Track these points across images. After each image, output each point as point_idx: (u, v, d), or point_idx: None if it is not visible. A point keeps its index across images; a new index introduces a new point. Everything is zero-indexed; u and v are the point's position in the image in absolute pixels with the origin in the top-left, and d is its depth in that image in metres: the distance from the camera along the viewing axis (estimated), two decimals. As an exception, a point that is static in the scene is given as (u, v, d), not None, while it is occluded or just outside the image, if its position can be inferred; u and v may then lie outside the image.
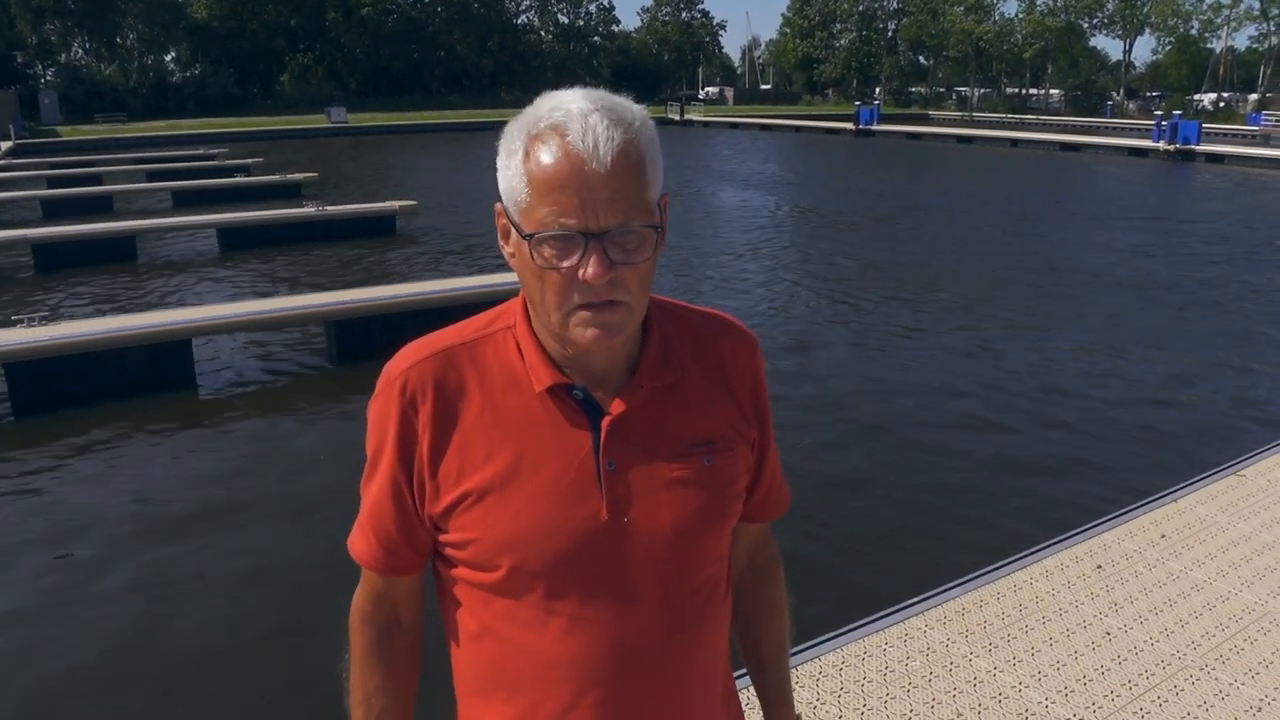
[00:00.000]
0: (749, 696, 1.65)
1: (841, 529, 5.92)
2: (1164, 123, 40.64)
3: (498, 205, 1.18)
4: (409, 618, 1.35)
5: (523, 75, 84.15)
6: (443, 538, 1.24)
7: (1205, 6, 76.55)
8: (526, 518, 1.17)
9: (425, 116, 60.03)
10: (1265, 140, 45.85)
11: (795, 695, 3.39)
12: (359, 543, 1.30)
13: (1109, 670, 3.61)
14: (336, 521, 6.13)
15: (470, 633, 1.27)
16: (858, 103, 65.55)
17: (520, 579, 1.19)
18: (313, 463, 7.14)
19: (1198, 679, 3.56)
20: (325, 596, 5.19)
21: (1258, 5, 74.02)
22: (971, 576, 4.30)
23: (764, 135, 53.76)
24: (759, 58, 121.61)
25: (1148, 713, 3.36)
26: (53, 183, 24.76)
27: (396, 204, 18.21)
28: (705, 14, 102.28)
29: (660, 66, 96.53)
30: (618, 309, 1.12)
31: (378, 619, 1.34)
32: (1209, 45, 79.84)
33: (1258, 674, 3.59)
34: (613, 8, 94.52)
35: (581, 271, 1.09)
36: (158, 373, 8.74)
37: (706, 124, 64.03)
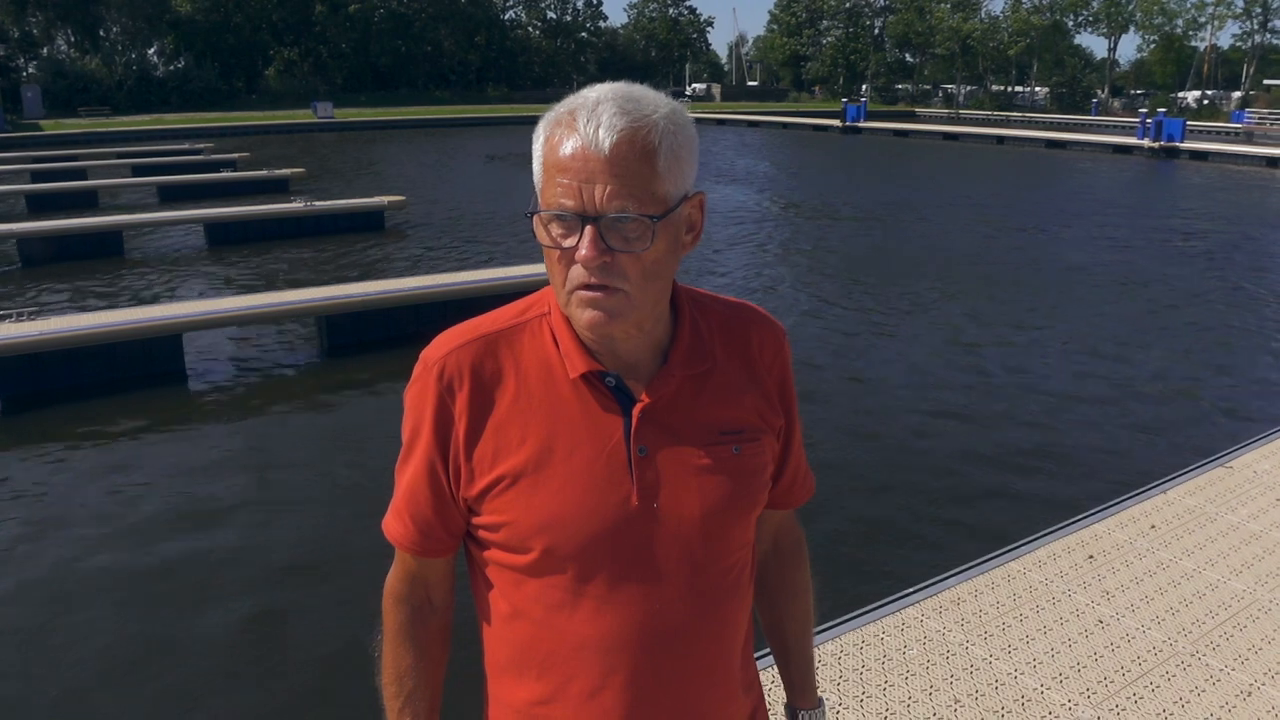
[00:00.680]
0: (772, 676, 1.69)
1: (831, 520, 5.97)
2: (1149, 120, 40.90)
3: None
4: (441, 598, 1.39)
5: (510, 71, 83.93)
6: (476, 520, 1.27)
7: (1189, 5, 77.19)
8: (559, 502, 1.20)
9: (412, 112, 59.82)
10: (1249, 137, 46.24)
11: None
12: (394, 525, 1.34)
13: (1102, 657, 3.66)
14: (328, 516, 6.17)
15: (501, 614, 1.30)
16: (845, 99, 65.60)
17: (552, 561, 1.22)
18: (304, 457, 7.14)
19: (1188, 665, 3.62)
20: (314, 589, 5.23)
21: (1241, 3, 74.63)
22: (966, 566, 4.35)
23: (751, 132, 53.79)
24: (746, 54, 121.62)
25: (1140, 698, 3.41)
26: (36, 177, 24.56)
27: (385, 199, 18.17)
28: (692, 10, 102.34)
29: (647, 63, 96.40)
30: (614, 295, 1.15)
31: (411, 599, 1.37)
32: (1193, 43, 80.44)
33: (1247, 660, 3.66)
34: (600, 3, 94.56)
35: (577, 253, 1.13)
36: (148, 367, 8.73)
37: (694, 120, 63.98)
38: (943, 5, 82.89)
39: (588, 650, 1.24)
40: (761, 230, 18.65)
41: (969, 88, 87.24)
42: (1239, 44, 79.59)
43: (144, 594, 5.17)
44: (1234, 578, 4.32)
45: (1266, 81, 65.80)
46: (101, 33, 66.95)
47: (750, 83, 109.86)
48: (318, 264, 14.57)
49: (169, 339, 8.89)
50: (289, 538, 5.83)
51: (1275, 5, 74.11)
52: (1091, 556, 4.49)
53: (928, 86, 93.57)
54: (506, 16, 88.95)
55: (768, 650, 1.60)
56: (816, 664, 3.61)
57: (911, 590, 4.12)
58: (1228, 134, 48.60)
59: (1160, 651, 3.71)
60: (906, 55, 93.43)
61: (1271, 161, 35.84)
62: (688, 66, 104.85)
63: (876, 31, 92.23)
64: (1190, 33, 79.67)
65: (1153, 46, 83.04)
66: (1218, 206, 23.51)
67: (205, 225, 16.48)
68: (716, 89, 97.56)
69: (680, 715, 1.28)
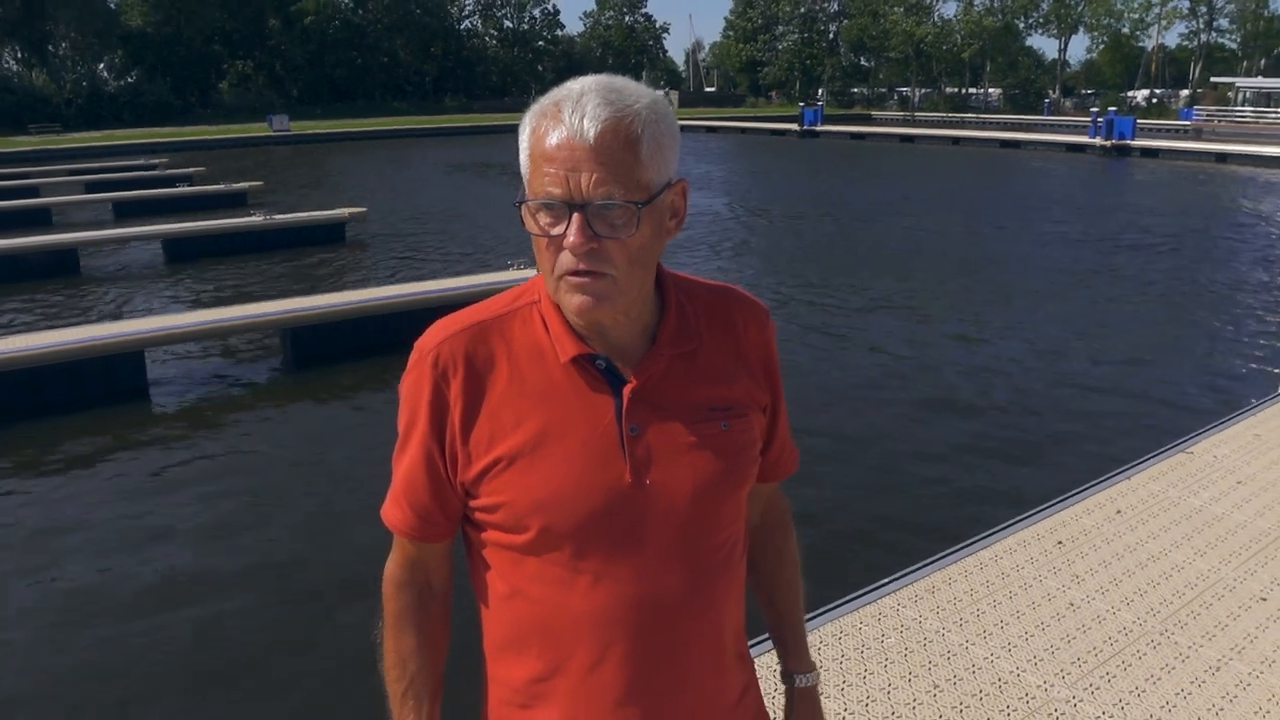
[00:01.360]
0: (764, 664, 1.71)
1: (802, 512, 6.02)
2: (1100, 119, 41.63)
3: None
4: (440, 583, 1.42)
5: (467, 81, 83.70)
6: (474, 503, 1.30)
7: (1136, 5, 78.60)
8: (555, 481, 1.24)
9: (369, 124, 59.45)
10: (1197, 134, 47.18)
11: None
12: (393, 512, 1.36)
13: (1074, 639, 3.73)
14: (297, 529, 6.13)
15: (499, 594, 1.33)
16: (802, 104, 66.10)
17: (549, 539, 1.25)
18: (272, 471, 7.09)
19: (1158, 644, 3.70)
20: (281, 604, 5.19)
21: (1187, 4, 76.18)
22: (940, 555, 4.42)
23: (710, 137, 54.05)
24: (703, 60, 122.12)
25: (1113, 676, 3.48)
26: (-13, 196, 24.15)
27: (346, 211, 18.04)
28: (648, 17, 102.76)
29: (604, 70, 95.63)
30: (601, 280, 1.18)
31: (411, 585, 1.40)
32: (1141, 43, 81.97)
33: (1214, 636, 3.74)
34: (557, 12, 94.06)
35: (565, 239, 1.17)
36: (110, 385, 8.60)
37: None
38: (896, 10, 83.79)
39: (585, 625, 1.27)
40: (722, 231, 18.75)
41: (924, 90, 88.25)
42: (1185, 43, 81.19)
43: (103, 611, 5.11)
44: (1198, 559, 4.41)
45: (1213, 79, 67.14)
46: (50, 48, 65.89)
47: (708, 89, 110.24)
48: (280, 277, 14.45)
49: (130, 355, 8.77)
50: (257, 553, 5.78)
51: (1220, 5, 75.85)
52: (1061, 542, 4.58)
53: (883, 90, 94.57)
54: (462, 26, 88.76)
55: (765, 637, 1.63)
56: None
57: (887, 580, 4.18)
58: (1177, 131, 49.58)
59: (1130, 631, 3.79)
60: (861, 59, 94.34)
61: (1220, 157, 36.61)
62: (645, 74, 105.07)
63: (831, 36, 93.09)
64: (1138, 33, 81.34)
65: (1101, 47, 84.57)
66: (1170, 201, 23.98)
67: (163, 241, 16.29)
68: (674, 95, 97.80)
69: (677, 688, 1.32)
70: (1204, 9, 75.62)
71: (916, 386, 8.94)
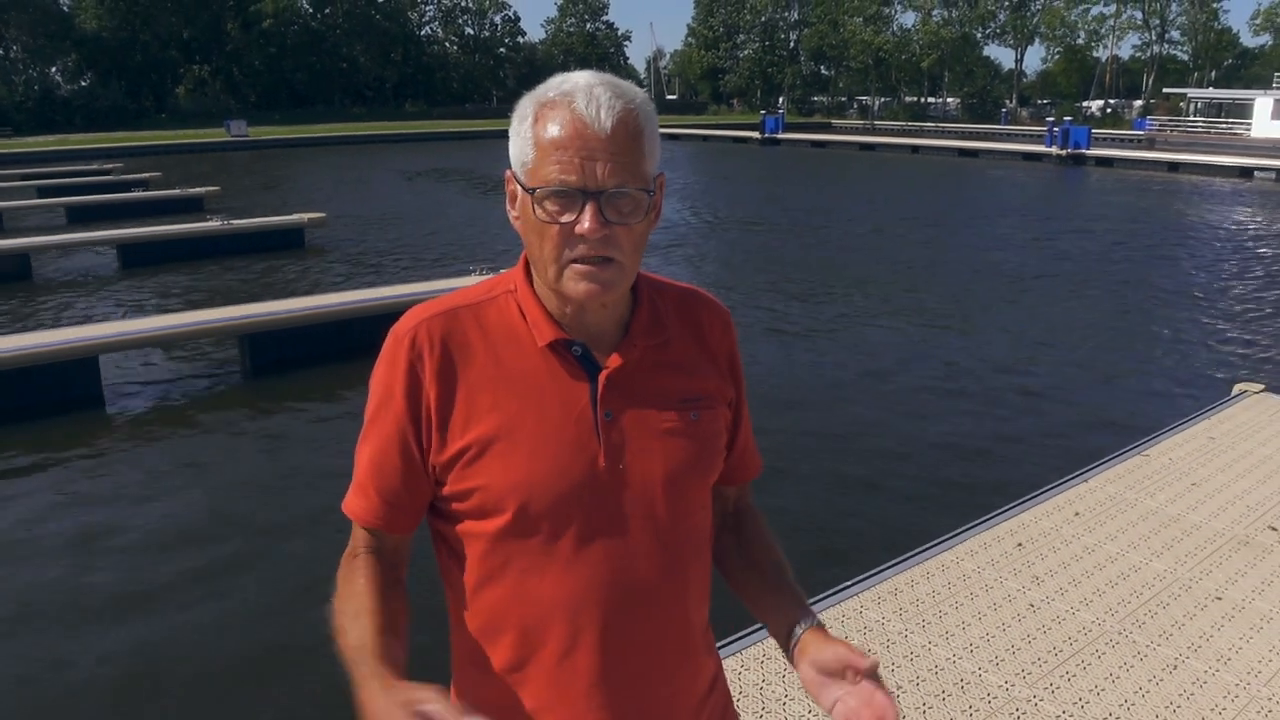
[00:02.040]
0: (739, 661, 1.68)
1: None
2: (1056, 129, 42.30)
3: (507, 172, 1.27)
4: (399, 573, 1.38)
5: (427, 87, 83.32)
6: (446, 490, 1.28)
7: (1091, 17, 80.00)
8: (531, 463, 1.24)
9: (328, 129, 58.96)
10: (1150, 144, 47.98)
11: (741, 678, 3.47)
12: (357, 501, 1.33)
13: (1035, 639, 3.77)
14: (255, 537, 6.04)
15: (471, 584, 1.32)
16: (763, 112, 66.49)
17: (524, 523, 1.25)
18: (229, 479, 6.99)
19: (1116, 643, 3.74)
20: (237, 622, 5.11)
21: (1140, 16, 77.59)
22: (903, 558, 4.44)
23: (672, 145, 54.21)
24: (664, 68, 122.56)
25: (1073, 675, 3.52)
26: (-64, 200, 23.64)
27: (305, 216, 17.89)
28: (610, 25, 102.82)
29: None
30: (609, 266, 1.21)
31: (367, 557, 1.33)
32: (1095, 54, 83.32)
33: (1171, 635, 3.79)
34: (518, 19, 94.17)
35: (579, 226, 1.18)
36: (63, 393, 8.43)
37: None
38: (855, 19, 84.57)
39: (559, 610, 1.27)
40: (682, 236, 18.80)
41: (883, 99, 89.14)
42: (1139, 54, 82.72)
43: (52, 622, 5.00)
44: (1155, 559, 4.47)
45: (1166, 90, 68.40)
46: (1, 51, 64.74)
47: (669, 96, 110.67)
48: (238, 283, 14.27)
49: (84, 362, 8.60)
50: (212, 563, 5.69)
51: (1172, 18, 77.37)
52: (1020, 544, 4.62)
53: (843, 98, 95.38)
54: (423, 33, 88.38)
55: (733, 637, 1.61)
56: (758, 660, 3.64)
57: (850, 582, 4.19)
58: (1131, 141, 50.42)
59: (1090, 631, 3.83)
60: (822, 68, 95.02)
61: (1172, 166, 37.30)
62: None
63: (792, 45, 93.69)
64: (1092, 44, 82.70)
65: (1056, 57, 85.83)
66: (1124, 209, 24.38)
67: (118, 246, 16.03)
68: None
69: (648, 673, 1.32)
70: (1156, 21, 77.15)
71: (875, 390, 9.01)
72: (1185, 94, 61.13)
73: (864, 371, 9.67)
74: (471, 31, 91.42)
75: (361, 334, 9.39)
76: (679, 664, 1.36)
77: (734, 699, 1.54)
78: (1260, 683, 3.48)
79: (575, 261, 1.20)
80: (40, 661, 4.63)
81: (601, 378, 1.28)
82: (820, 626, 1.38)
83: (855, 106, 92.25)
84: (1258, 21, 76.60)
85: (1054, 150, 41.12)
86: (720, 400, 1.39)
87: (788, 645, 1.38)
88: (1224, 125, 52.53)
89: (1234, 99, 54.92)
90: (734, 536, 1.52)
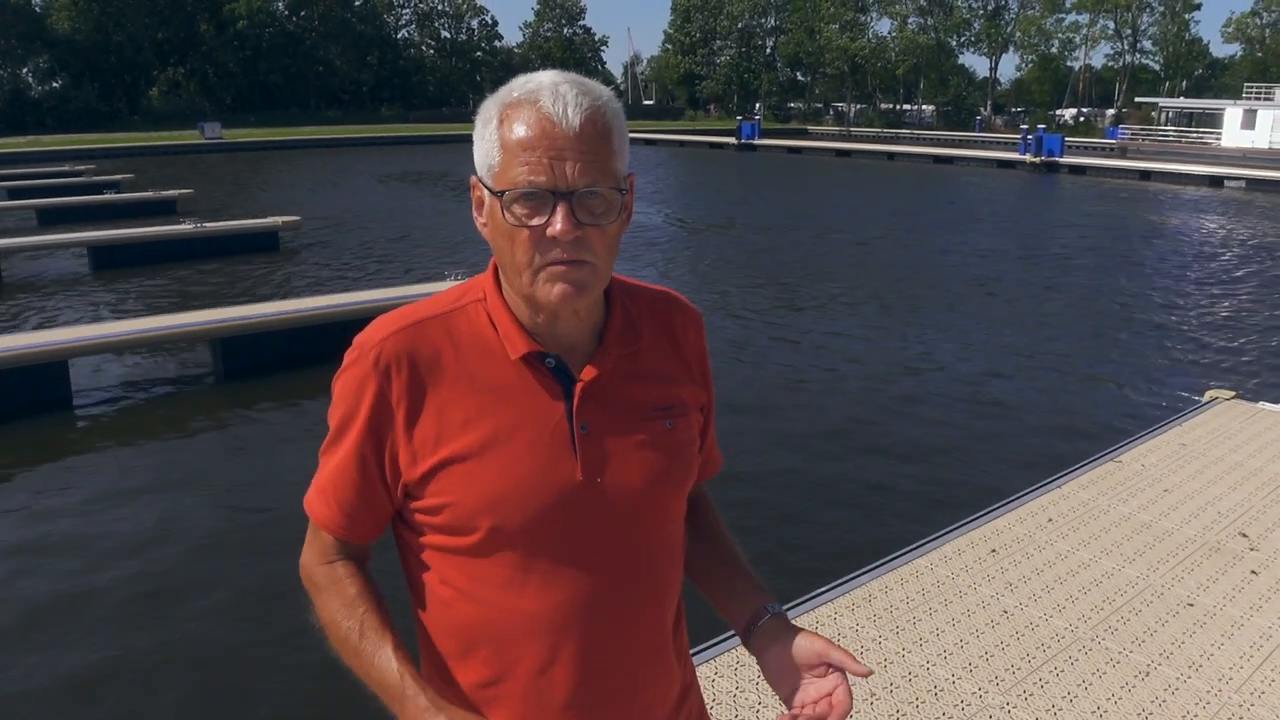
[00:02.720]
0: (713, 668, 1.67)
1: (737, 522, 6.02)
2: (1030, 137, 42.62)
3: (473, 178, 1.23)
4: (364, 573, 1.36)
5: (403, 90, 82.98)
6: (416, 505, 1.25)
7: (1065, 26, 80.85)
8: (505, 480, 1.21)
9: (303, 132, 58.56)
10: (1122, 152, 48.53)
11: (715, 685, 3.45)
12: (318, 505, 1.31)
13: (1008, 645, 3.77)
14: (226, 544, 5.98)
15: (441, 599, 1.29)
16: (739, 118, 66.66)
17: (498, 539, 1.22)
18: (200, 485, 6.91)
19: (1090, 649, 3.75)
20: (207, 627, 5.06)
21: (1113, 26, 78.52)
22: (877, 564, 4.44)
23: (649, 150, 54.19)
24: (641, 73, 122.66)
25: (1046, 682, 3.53)
26: (-97, 202, 23.30)
27: (280, 219, 17.76)
28: (587, 30, 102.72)
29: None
30: (583, 268, 1.17)
31: (334, 562, 1.34)
32: (1069, 63, 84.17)
33: (1144, 642, 3.81)
34: (495, 23, 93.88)
35: (550, 228, 1.14)
36: (33, 397, 8.32)
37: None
38: (831, 26, 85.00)
39: (538, 626, 1.24)
40: (658, 243, 18.80)
41: (859, 106, 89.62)
42: (1111, 64, 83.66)
43: (6, 630, 4.93)
44: (1128, 565, 4.50)
45: (1138, 99, 69.20)
46: (-30, 51, 63.98)
47: (646, 101, 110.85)
48: (211, 286, 14.13)
49: (54, 366, 8.48)
50: (183, 568, 5.62)
51: (1144, 28, 78.28)
52: (994, 550, 4.63)
53: (819, 105, 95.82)
54: (400, 36, 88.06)
55: (706, 644, 1.60)
56: (732, 668, 3.63)
57: (824, 589, 4.19)
58: (1103, 149, 50.94)
59: (1063, 638, 3.84)
60: (798, 74, 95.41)
61: (1144, 174, 37.69)
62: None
63: (768, 51, 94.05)
64: (1066, 53, 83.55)
65: (1031, 66, 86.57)
66: (1096, 216, 24.60)
67: (90, 249, 15.83)
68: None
69: (624, 687, 1.31)
70: (1129, 31, 78.04)
71: (846, 397, 9.03)
72: (1157, 103, 61.92)
73: (835, 378, 9.70)
74: (448, 35, 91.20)
75: (335, 339, 9.18)
76: (655, 674, 1.35)
77: (707, 706, 1.53)
78: (1231, 689, 3.50)
79: (549, 265, 1.16)
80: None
81: (577, 390, 1.25)
82: (782, 614, 1.39)
83: (831, 113, 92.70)
84: (1229, 29, 77.79)
85: (1028, 158, 41.43)
86: (694, 406, 1.38)
87: (748, 631, 1.38)
88: (1195, 134, 53.21)
89: (1204, 109, 55.69)
90: (689, 524, 1.48)
